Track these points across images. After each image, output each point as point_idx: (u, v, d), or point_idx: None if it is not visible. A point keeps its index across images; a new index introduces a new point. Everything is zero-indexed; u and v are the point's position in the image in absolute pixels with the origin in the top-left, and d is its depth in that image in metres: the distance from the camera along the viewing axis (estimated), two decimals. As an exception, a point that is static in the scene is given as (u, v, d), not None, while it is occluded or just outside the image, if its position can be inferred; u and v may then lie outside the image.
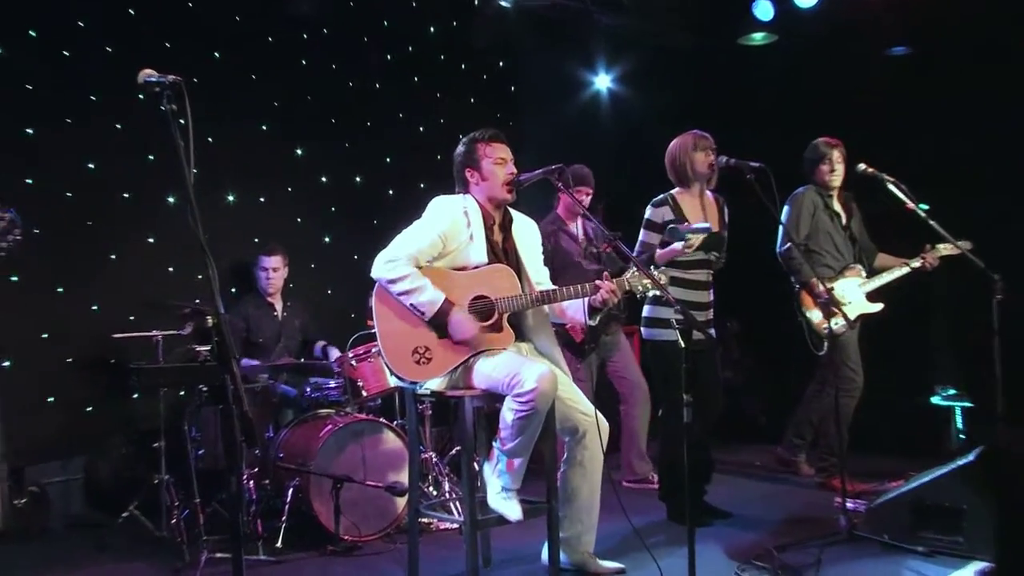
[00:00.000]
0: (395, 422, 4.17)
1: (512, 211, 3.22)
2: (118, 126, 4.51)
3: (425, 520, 3.82)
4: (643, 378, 4.69)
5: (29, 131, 4.25)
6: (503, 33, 6.03)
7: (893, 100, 5.13)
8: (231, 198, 4.95)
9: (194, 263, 4.46)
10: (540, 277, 3.21)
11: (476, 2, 6.04)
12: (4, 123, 4.16)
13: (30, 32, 4.29)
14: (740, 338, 6.17)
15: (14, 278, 4.10)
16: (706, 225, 3.59)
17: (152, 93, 1.96)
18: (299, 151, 5.30)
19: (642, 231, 3.83)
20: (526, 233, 3.25)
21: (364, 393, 4.11)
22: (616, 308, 3.07)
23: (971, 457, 3.11)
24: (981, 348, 3.59)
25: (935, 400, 4.82)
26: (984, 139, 4.77)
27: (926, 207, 3.86)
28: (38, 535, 3.57)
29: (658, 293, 2.95)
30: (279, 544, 3.63)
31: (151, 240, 4.61)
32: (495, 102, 6.24)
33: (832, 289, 4.13)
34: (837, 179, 4.32)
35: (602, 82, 6.75)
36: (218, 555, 3.41)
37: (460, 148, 3.16)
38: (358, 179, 5.57)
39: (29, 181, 4.23)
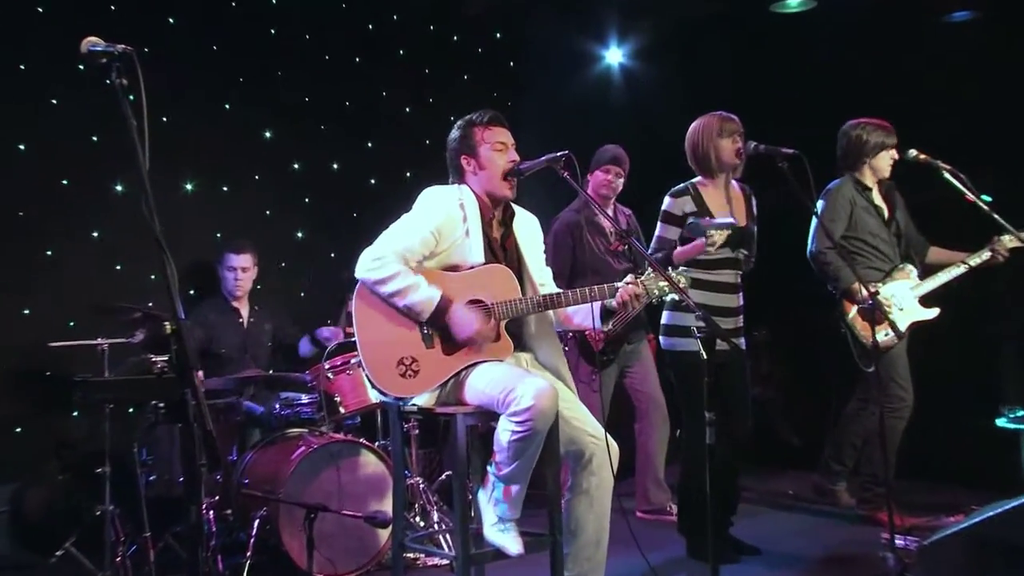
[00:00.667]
0: (377, 443, 4.18)
1: (513, 205, 3.23)
2: (54, 101, 4.51)
3: (411, 555, 3.83)
4: (662, 394, 4.71)
5: (-56, 106, 4.25)
6: (500, -1, 6.08)
7: (953, 74, 5.02)
8: (189, 187, 4.97)
9: (146, 261, 4.50)
10: (543, 278, 3.23)
11: (470, -37, 6.09)
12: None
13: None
14: (770, 348, 6.18)
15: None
16: (731, 220, 3.60)
17: (98, 65, 1.96)
18: (267, 133, 5.32)
19: (659, 225, 3.84)
20: (528, 229, 3.26)
21: (342, 410, 4.13)
22: (634, 311, 3.08)
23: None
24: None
25: (1001, 422, 4.79)
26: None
27: (988, 199, 3.86)
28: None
29: (677, 297, 2.96)
30: (243, 583, 3.64)
31: (95, 234, 4.62)
32: (491, 79, 6.27)
33: (876, 294, 4.10)
34: (888, 172, 4.31)
35: (613, 56, 6.77)
36: (172, 596, 3.42)
37: (454, 133, 3.17)
38: (335, 166, 5.59)
39: (-53, 165, 4.23)
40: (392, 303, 2.95)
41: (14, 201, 4.37)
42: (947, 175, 3.89)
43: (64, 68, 4.25)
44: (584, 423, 3.04)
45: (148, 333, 3.74)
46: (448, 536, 3.89)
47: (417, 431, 4.42)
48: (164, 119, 4.45)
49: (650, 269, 3.01)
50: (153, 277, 4.56)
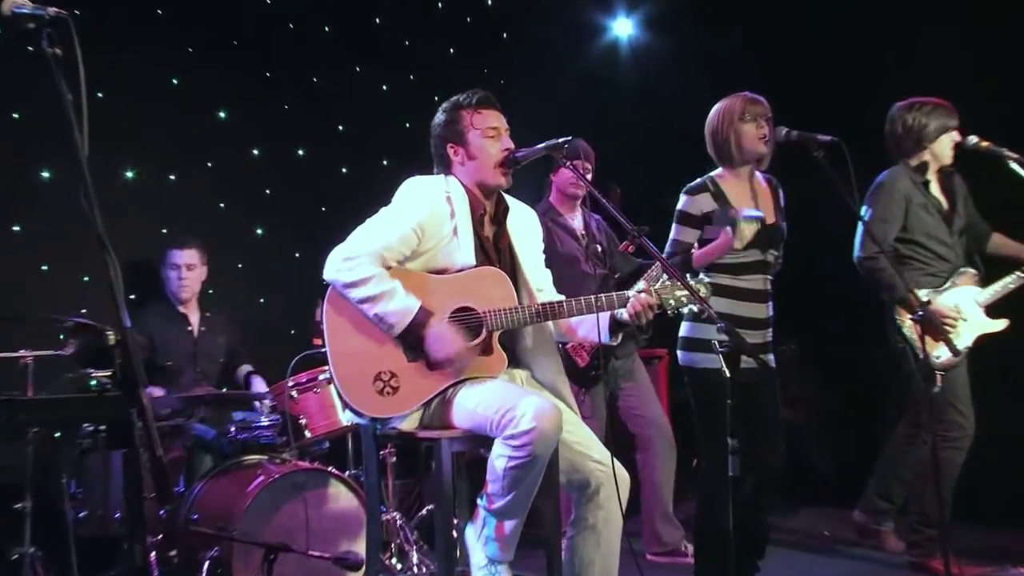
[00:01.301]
0: (348, 472, 4.18)
1: (508, 198, 3.25)
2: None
3: (386, 603, 3.83)
4: (665, 417, 4.72)
5: None
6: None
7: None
8: (129, 175, 4.96)
9: (79, 260, 4.55)
10: (541, 283, 3.23)
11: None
12: None
13: None
14: (800, 365, 6.21)
15: None
16: (759, 213, 3.62)
17: (24, 30, 1.95)
18: (221, 113, 5.32)
19: (674, 226, 3.85)
20: (524, 226, 3.27)
21: (308, 434, 4.13)
22: (644, 327, 3.09)
23: None
24: None
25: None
26: None
27: None
28: None
29: (696, 309, 2.98)
30: (192, 635, 3.63)
31: (16, 229, 4.60)
32: (482, 53, 6.29)
33: (928, 304, 4.06)
34: (950, 158, 4.25)
35: (622, 28, 6.80)
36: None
37: (439, 116, 3.18)
38: (300, 152, 5.60)
39: None
40: (362, 310, 2.96)
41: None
42: (1013, 164, 3.88)
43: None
44: (588, 448, 3.04)
45: (82, 344, 3.73)
46: (430, 581, 3.88)
47: (395, 459, 4.42)
48: (99, 95, 4.44)
49: (665, 276, 3.02)
50: (87, 279, 4.54)
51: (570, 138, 3.03)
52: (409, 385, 2.98)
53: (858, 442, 5.30)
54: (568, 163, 3.10)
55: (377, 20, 5.92)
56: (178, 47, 5.13)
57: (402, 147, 5.16)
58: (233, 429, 4.22)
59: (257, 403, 4.46)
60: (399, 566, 4.13)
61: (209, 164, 5.25)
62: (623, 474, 3.04)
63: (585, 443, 3.05)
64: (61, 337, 3.82)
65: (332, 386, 4.29)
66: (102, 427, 3.84)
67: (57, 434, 4.15)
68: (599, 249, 4.57)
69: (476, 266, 3.07)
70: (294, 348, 4.40)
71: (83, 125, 1.93)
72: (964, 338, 4.11)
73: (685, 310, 3.06)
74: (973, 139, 4.06)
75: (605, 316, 3.07)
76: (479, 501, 2.98)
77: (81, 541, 3.74)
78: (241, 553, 3.68)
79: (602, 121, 4.82)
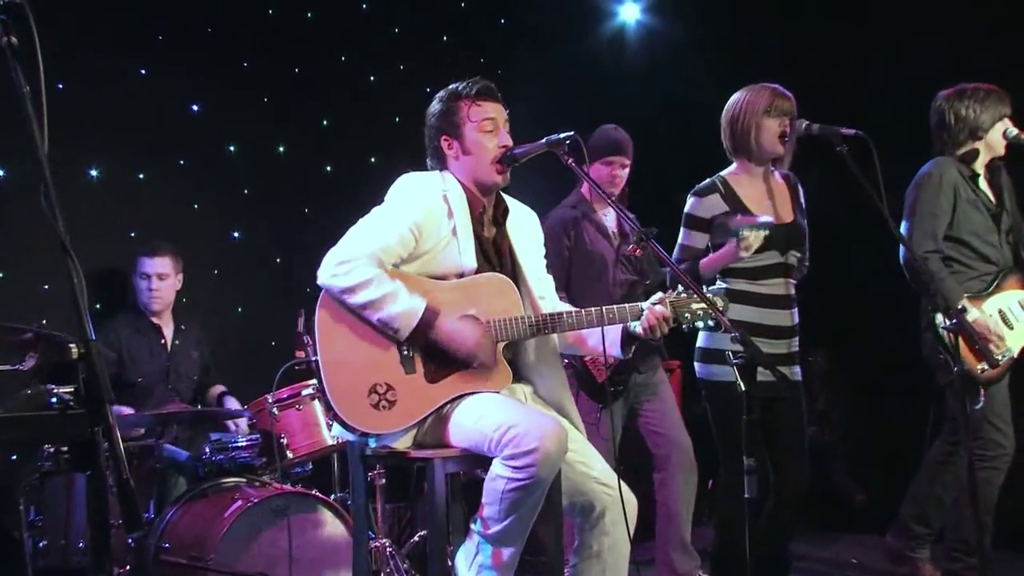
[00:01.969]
0: (333, 496, 4.18)
1: (507, 197, 3.26)
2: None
3: (375, 639, 3.83)
4: (686, 436, 4.72)
5: None
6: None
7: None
8: (94, 173, 4.97)
9: (39, 266, 4.55)
10: (543, 290, 3.24)
11: None
12: None
13: None
14: (828, 379, 6.21)
15: None
16: (768, 219, 3.62)
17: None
18: (195, 106, 5.33)
19: (682, 231, 3.87)
20: (524, 229, 3.29)
21: (289, 454, 4.13)
22: (660, 339, 3.10)
23: None
24: None
25: None
26: None
27: None
28: None
29: (712, 323, 2.98)
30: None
31: (-35, 232, 4.61)
32: (478, 41, 6.31)
33: (964, 311, 4.01)
34: (1003, 148, 4.20)
35: (629, 12, 6.82)
36: None
37: (434, 106, 3.19)
38: (281, 149, 5.61)
39: None
40: (364, 316, 2.97)
41: None
42: None
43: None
44: (593, 469, 3.05)
45: (43, 358, 3.72)
46: (422, 614, 3.89)
47: (384, 481, 4.42)
48: (60, 86, 4.44)
49: (680, 287, 3.03)
50: (47, 287, 4.54)
51: (572, 132, 3.04)
52: (407, 399, 2.98)
53: (892, 463, 5.28)
54: (571, 162, 3.08)
55: (364, 6, 5.93)
56: (147, 34, 5.13)
57: (391, 143, 5.18)
58: (208, 450, 4.22)
59: (232, 424, 4.47)
60: (389, 598, 4.13)
61: (181, 162, 5.25)
62: (630, 498, 3.03)
63: (589, 464, 3.05)
64: (19, 350, 3.82)
65: (316, 402, 4.30)
66: (64, 448, 3.84)
67: (13, 456, 4.14)
68: (629, 254, 4.56)
69: (477, 270, 3.08)
70: (274, 361, 4.40)
71: (42, 119, 1.93)
72: (1011, 347, 4.08)
73: (701, 324, 3.08)
74: (1014, 131, 4.06)
75: (617, 329, 3.08)
76: (473, 525, 2.98)
77: (39, 573, 3.74)
78: (217, 585, 3.69)
79: (607, 113, 4.81)
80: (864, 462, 6.04)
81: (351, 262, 2.96)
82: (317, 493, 4.02)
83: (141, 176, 5.12)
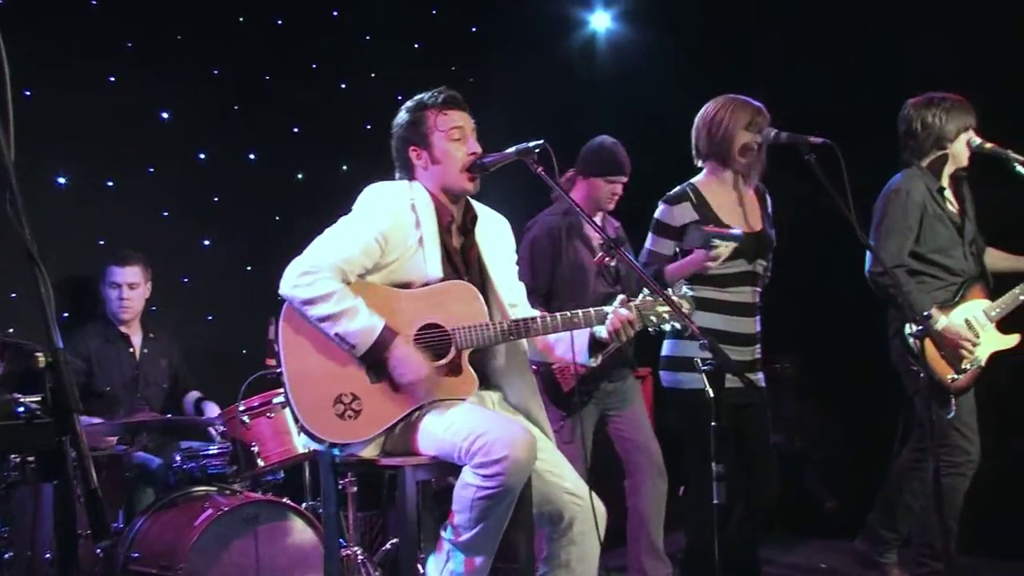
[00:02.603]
0: (304, 504, 4.17)
1: (476, 204, 3.28)
2: None
3: (346, 648, 3.83)
4: (656, 443, 4.74)
5: None
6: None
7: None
8: (62, 180, 4.94)
9: (5, 275, 4.51)
10: (514, 297, 3.26)
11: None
12: None
13: None
14: (799, 386, 6.24)
15: None
16: (738, 231, 3.66)
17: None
18: (164, 114, 5.31)
19: (649, 236, 3.91)
20: (494, 236, 3.30)
21: (260, 463, 4.11)
22: (627, 345, 3.12)
23: None
24: None
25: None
26: None
27: None
28: None
29: (679, 326, 3.00)
30: None
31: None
32: (449, 49, 6.31)
33: (929, 318, 3.99)
34: (967, 160, 4.23)
35: (600, 21, 6.84)
36: None
37: (402, 116, 3.20)
38: (251, 156, 5.60)
39: None
40: (322, 329, 2.97)
41: None
42: (1020, 168, 3.94)
43: None
44: (563, 478, 3.06)
45: (9, 367, 3.70)
46: (394, 623, 3.88)
47: (355, 489, 4.41)
48: (27, 92, 4.42)
49: (646, 290, 3.05)
50: (14, 296, 4.52)
51: (541, 141, 3.04)
52: (372, 408, 2.98)
53: (862, 470, 5.31)
54: (540, 171, 3.09)
55: (335, 13, 5.93)
56: (116, 40, 5.11)
57: (362, 151, 5.16)
58: (179, 458, 4.22)
59: (212, 430, 4.45)
60: (360, 607, 4.12)
61: (151, 169, 5.23)
62: (600, 508, 3.05)
63: (559, 473, 3.06)
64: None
65: (287, 410, 4.29)
66: (30, 458, 3.79)
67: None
68: (613, 265, 4.57)
69: (443, 279, 3.09)
70: (245, 370, 4.37)
71: (8, 126, 1.93)
72: (979, 356, 4.13)
73: (667, 327, 3.10)
74: (977, 140, 4.10)
75: (586, 335, 3.10)
76: (443, 533, 2.99)
77: (7, 586, 3.71)
78: (187, 594, 3.67)
79: (579, 120, 4.84)
80: (835, 468, 6.07)
81: (314, 273, 2.96)
82: (288, 501, 4.01)
83: (110, 183, 5.10)
